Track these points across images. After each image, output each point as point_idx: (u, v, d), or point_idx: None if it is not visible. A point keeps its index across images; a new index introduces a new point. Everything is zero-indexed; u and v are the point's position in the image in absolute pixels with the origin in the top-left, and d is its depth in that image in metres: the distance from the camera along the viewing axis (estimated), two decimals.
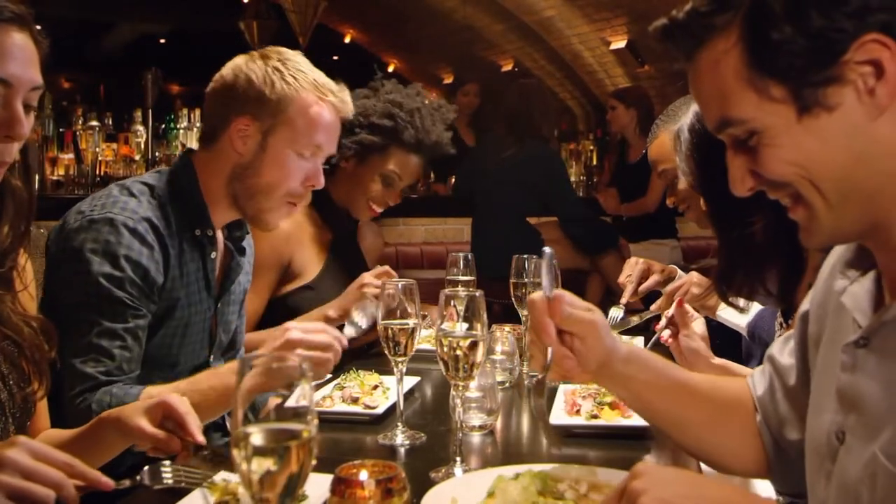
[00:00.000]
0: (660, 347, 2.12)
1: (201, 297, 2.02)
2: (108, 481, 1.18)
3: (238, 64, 2.04)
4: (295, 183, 2.03)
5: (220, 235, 2.11)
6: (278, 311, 2.61)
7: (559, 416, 1.90)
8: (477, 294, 1.52)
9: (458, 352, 1.49)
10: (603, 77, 10.38)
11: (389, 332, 1.74)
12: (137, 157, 6.57)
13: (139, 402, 1.52)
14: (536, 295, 1.35)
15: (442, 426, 1.92)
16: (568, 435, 1.85)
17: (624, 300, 2.76)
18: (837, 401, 1.13)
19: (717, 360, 2.00)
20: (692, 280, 2.56)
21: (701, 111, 1.17)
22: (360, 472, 1.20)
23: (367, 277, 2.50)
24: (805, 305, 1.31)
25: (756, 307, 2.28)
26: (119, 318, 1.83)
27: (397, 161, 2.72)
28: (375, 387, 2.11)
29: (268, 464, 0.90)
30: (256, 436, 0.91)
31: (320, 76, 2.06)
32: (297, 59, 2.06)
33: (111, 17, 11.86)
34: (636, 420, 1.78)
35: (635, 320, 2.68)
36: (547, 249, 1.39)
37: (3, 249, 1.50)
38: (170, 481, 1.25)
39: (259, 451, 0.91)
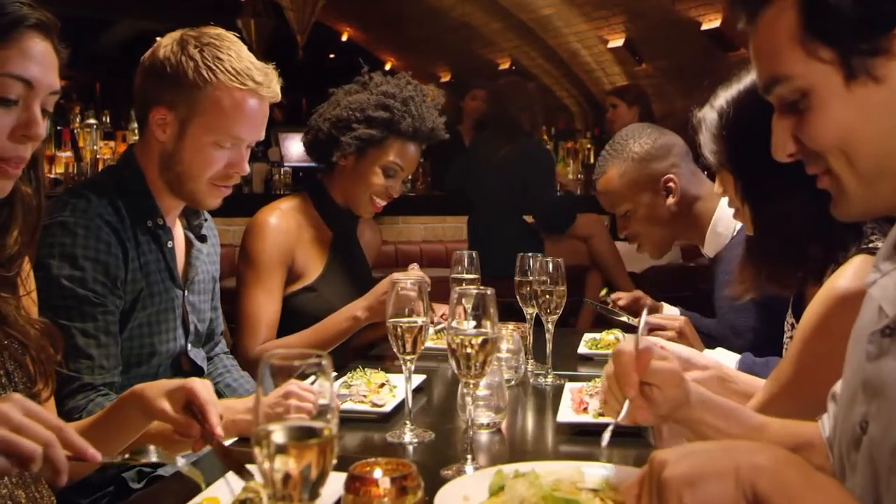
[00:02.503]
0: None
1: (166, 286, 2.03)
2: (94, 452, 1.19)
3: (155, 52, 2.00)
4: (216, 172, 2.00)
5: (178, 224, 2.11)
6: (281, 313, 2.62)
7: (566, 414, 1.90)
8: (488, 292, 1.52)
9: (470, 349, 1.49)
10: (600, 75, 10.39)
11: (398, 330, 1.74)
12: None
13: (163, 381, 1.53)
14: (626, 345, 1.36)
15: (449, 424, 1.92)
16: (575, 433, 1.85)
17: (615, 297, 2.79)
18: (863, 391, 1.13)
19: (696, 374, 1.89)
20: (675, 326, 2.45)
21: (755, 71, 1.19)
22: (374, 469, 1.20)
23: (397, 277, 2.49)
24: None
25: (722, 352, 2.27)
26: (88, 318, 1.85)
27: (397, 151, 2.72)
28: (382, 385, 2.11)
29: (290, 462, 0.90)
30: (278, 434, 0.91)
31: (241, 63, 1.98)
32: (217, 42, 1.99)
33: (108, 14, 11.85)
34: None
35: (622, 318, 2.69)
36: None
37: (12, 255, 1.51)
38: (154, 457, 1.25)
39: (281, 450, 0.91)
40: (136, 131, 2.18)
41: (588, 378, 2.14)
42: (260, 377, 0.94)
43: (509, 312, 2.53)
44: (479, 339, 1.48)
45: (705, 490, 0.94)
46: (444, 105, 2.84)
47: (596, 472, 1.31)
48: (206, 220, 2.21)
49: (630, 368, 1.34)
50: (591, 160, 8.54)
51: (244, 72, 1.97)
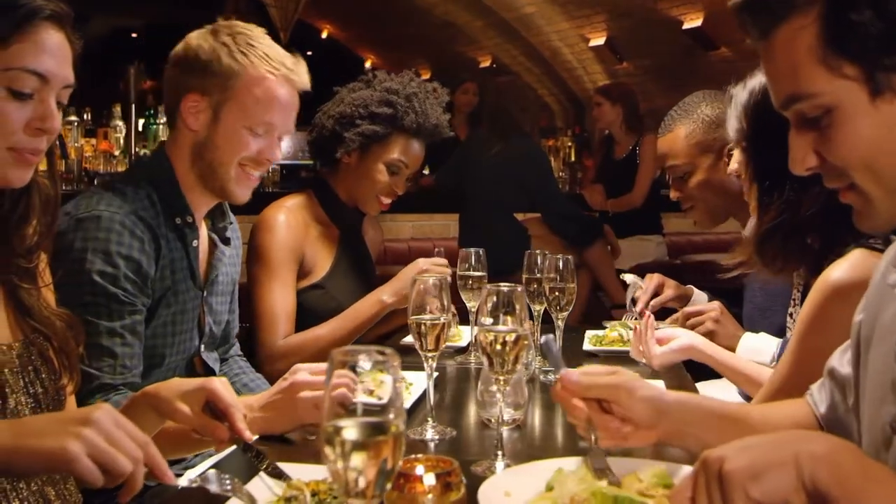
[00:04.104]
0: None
1: (187, 285, 2.02)
2: (172, 476, 1.18)
3: (188, 42, 2.02)
4: (248, 154, 2.00)
5: (203, 225, 2.11)
6: None
7: None
8: (518, 289, 1.52)
9: (502, 346, 1.50)
10: (581, 74, 10.44)
11: (422, 327, 1.74)
12: (117, 153, 6.51)
13: (178, 381, 1.52)
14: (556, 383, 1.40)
15: (465, 420, 1.93)
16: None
17: (637, 308, 2.76)
18: (892, 391, 1.14)
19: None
20: (711, 316, 2.49)
21: (770, 87, 1.18)
22: (416, 466, 1.21)
23: (423, 263, 2.53)
24: (858, 315, 1.31)
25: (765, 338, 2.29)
26: (116, 316, 1.83)
27: (401, 148, 2.72)
28: (382, 382, 2.11)
29: (360, 459, 0.90)
30: (349, 431, 0.91)
31: (273, 50, 2.02)
32: (249, 32, 2.02)
33: (85, 9, 11.69)
34: None
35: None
36: (544, 338, 1.47)
37: (31, 245, 1.50)
38: (228, 489, 1.23)
39: (352, 447, 0.91)
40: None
41: None
42: (327, 373, 0.94)
43: None
44: (513, 337, 1.49)
45: (769, 481, 0.94)
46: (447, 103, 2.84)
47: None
48: (231, 222, 2.20)
49: (561, 396, 1.38)
50: (573, 158, 8.58)
51: (276, 58, 2.00)
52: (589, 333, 2.77)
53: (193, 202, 2.03)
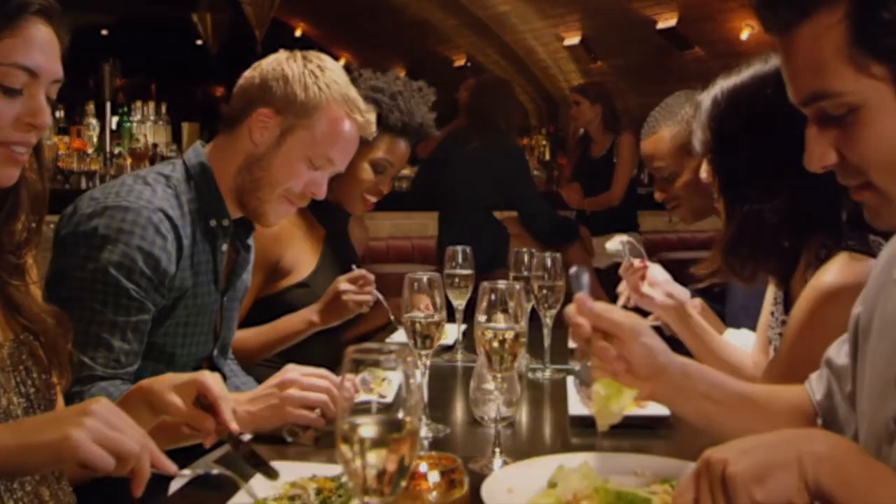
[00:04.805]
0: None
1: (209, 289, 2.01)
2: (171, 464, 1.19)
3: (278, 59, 2.05)
4: (297, 186, 2.03)
5: None
6: (273, 308, 2.59)
7: (577, 406, 1.93)
8: (517, 286, 1.53)
9: (500, 344, 1.50)
10: (556, 73, 10.49)
11: (418, 325, 1.75)
12: (91, 151, 6.45)
13: (170, 375, 1.51)
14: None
15: (456, 418, 1.93)
16: (588, 425, 1.87)
17: (619, 304, 2.76)
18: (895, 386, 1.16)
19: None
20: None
21: (788, 83, 1.16)
22: (420, 463, 1.21)
23: (342, 284, 2.48)
24: (857, 308, 1.32)
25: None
26: (122, 311, 1.81)
27: (386, 147, 2.71)
28: (383, 379, 2.11)
29: (376, 456, 0.91)
30: (365, 428, 0.91)
31: (352, 91, 2.07)
32: (335, 68, 2.07)
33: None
34: (652, 410, 1.81)
35: None
36: (575, 268, 1.43)
37: (20, 241, 1.49)
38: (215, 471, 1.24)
39: (368, 444, 0.91)
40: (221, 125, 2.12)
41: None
42: (343, 369, 0.94)
43: None
44: (512, 334, 1.49)
45: (773, 483, 0.95)
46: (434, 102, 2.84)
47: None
48: (253, 229, 2.18)
49: (573, 313, 1.35)
50: (547, 157, 8.62)
51: (355, 101, 2.06)
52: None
53: (228, 207, 2.02)
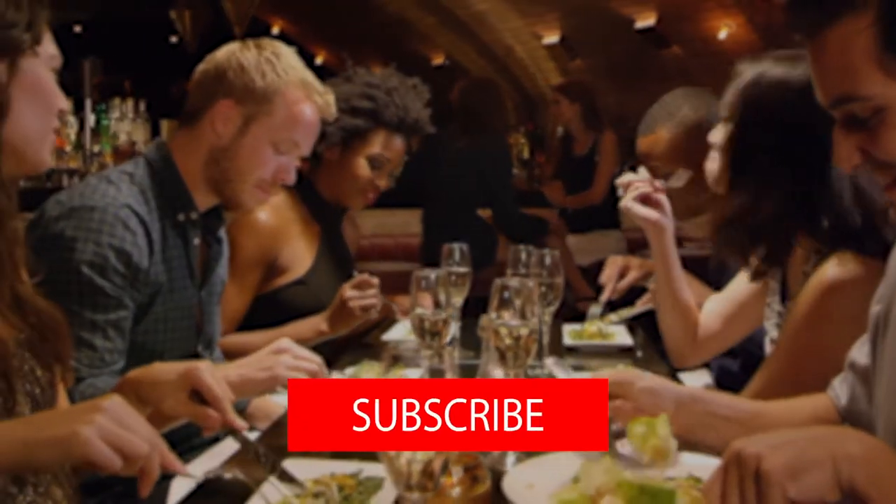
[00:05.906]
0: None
1: (185, 284, 2.01)
2: (180, 464, 1.19)
3: (232, 49, 2.05)
4: (266, 174, 2.04)
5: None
6: (269, 306, 2.58)
7: None
8: (530, 283, 1.54)
9: (515, 341, 1.51)
10: (535, 72, 10.52)
11: (426, 323, 1.75)
12: (69, 149, 6.38)
13: (160, 367, 1.50)
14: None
15: None
16: None
17: (603, 298, 2.77)
18: None
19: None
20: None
21: (817, 85, 1.17)
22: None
23: (347, 291, 2.46)
24: (875, 306, 1.33)
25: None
26: (100, 310, 1.81)
27: (382, 142, 2.73)
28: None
29: (423, 453, 0.91)
30: None
31: (309, 75, 2.10)
32: (289, 54, 2.09)
33: None
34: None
35: (613, 318, 2.72)
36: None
37: (20, 236, 1.47)
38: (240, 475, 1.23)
39: None
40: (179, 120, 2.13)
41: (580, 368, 2.23)
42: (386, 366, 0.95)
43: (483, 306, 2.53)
44: (526, 331, 1.50)
45: (807, 481, 0.96)
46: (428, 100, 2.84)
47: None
48: (223, 222, 2.19)
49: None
50: (526, 155, 8.63)
51: (312, 84, 2.08)
52: (567, 328, 2.79)
53: (197, 200, 2.02)
